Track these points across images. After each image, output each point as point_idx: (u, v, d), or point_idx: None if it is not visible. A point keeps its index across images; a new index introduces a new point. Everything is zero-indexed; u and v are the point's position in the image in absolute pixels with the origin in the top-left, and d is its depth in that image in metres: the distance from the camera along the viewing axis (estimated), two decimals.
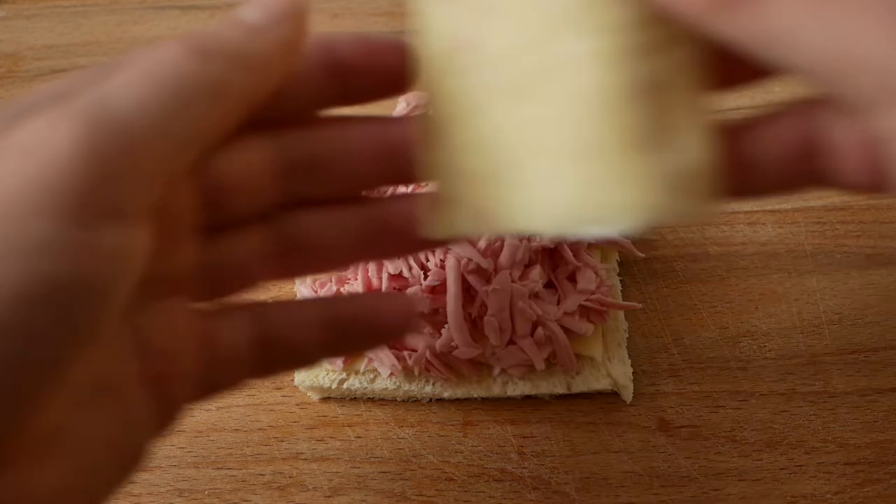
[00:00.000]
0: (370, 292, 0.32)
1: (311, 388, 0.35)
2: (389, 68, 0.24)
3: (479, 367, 0.34)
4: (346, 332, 0.26)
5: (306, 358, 0.26)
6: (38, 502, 0.19)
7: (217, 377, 0.24)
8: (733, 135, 0.21)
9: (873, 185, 0.20)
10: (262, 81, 0.21)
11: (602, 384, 0.34)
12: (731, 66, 0.20)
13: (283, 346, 0.25)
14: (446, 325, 0.33)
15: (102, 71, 0.20)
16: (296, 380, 0.34)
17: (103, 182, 0.18)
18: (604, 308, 0.34)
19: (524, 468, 0.33)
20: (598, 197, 0.21)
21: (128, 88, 0.19)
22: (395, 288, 0.34)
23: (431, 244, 0.28)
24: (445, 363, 0.33)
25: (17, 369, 0.17)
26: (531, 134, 0.22)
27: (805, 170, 0.20)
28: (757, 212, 0.40)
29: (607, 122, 0.21)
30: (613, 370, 0.34)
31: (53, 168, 0.17)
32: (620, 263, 0.38)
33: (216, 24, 0.21)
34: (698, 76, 0.20)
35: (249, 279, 0.24)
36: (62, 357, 0.18)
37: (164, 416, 0.23)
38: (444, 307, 0.33)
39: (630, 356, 0.35)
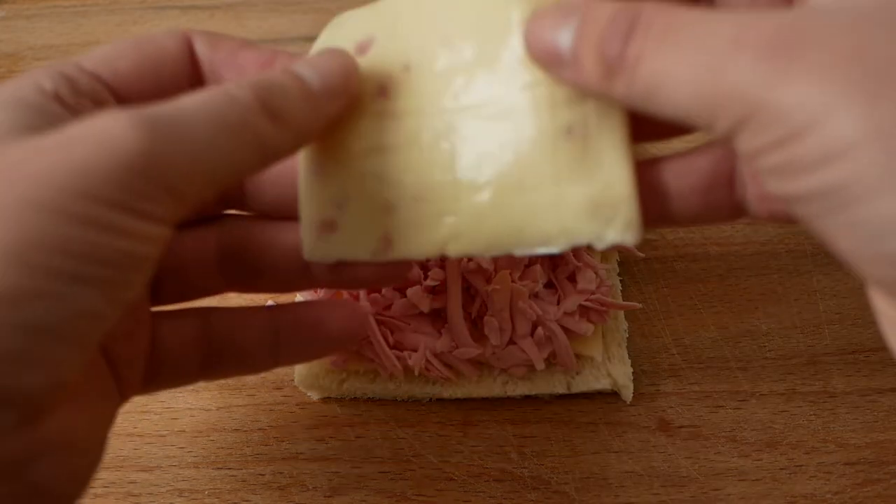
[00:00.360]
0: (318, 301, 0.31)
1: (311, 388, 0.35)
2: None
3: (479, 367, 0.34)
4: (291, 339, 0.28)
5: (252, 363, 0.28)
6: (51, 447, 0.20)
7: (163, 374, 0.26)
8: (654, 168, 0.23)
9: (771, 215, 0.22)
10: (298, 146, 0.24)
11: (602, 384, 0.34)
12: (648, 121, 0.22)
13: (229, 349, 0.26)
14: (446, 325, 0.33)
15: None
16: (296, 380, 0.34)
17: (154, 179, 0.19)
18: (604, 308, 0.34)
19: (524, 468, 0.33)
20: (530, 222, 0.24)
21: (197, 114, 0.20)
22: (394, 288, 0.34)
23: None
24: (445, 363, 0.33)
25: (77, 318, 0.19)
26: (454, 169, 0.25)
27: (717, 200, 0.23)
28: None
29: (540, 159, 0.24)
30: (613, 370, 0.34)
31: (114, 155, 0.19)
32: (620, 263, 0.38)
33: (286, 76, 0.23)
34: (621, 120, 0.23)
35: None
36: (115, 302, 0.20)
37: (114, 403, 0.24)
38: (445, 307, 0.33)
39: (630, 356, 0.35)
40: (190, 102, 0.20)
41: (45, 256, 0.18)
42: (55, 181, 0.18)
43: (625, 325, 0.36)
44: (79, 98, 0.23)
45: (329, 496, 0.32)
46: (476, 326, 0.33)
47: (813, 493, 0.32)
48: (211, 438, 0.34)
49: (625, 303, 0.35)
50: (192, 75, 0.26)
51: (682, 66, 0.19)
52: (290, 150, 0.24)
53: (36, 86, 0.22)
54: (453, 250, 0.25)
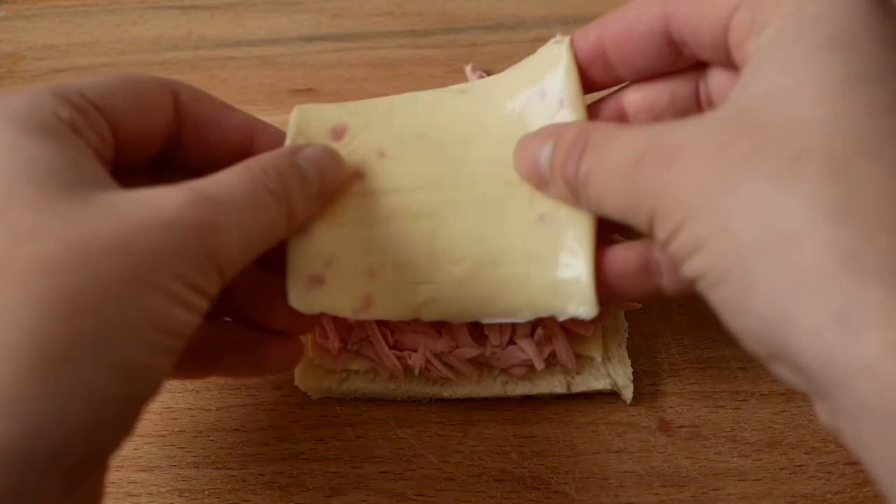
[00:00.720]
0: (260, 332, 0.31)
1: (311, 388, 0.35)
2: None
3: (479, 367, 0.34)
4: (226, 359, 0.29)
5: (186, 372, 0.29)
6: None
7: None
8: (601, 257, 0.27)
9: (681, 291, 0.26)
10: (293, 232, 0.27)
11: (602, 384, 0.34)
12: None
13: None
14: (446, 326, 0.33)
15: None
16: (296, 379, 0.34)
17: (213, 260, 0.22)
18: (604, 308, 0.34)
19: (524, 468, 0.33)
20: (501, 295, 0.28)
21: (242, 202, 0.23)
22: None
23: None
24: (445, 363, 0.33)
25: (159, 385, 0.22)
26: (434, 243, 0.28)
27: (648, 285, 0.27)
28: None
29: (515, 240, 0.28)
30: (613, 370, 0.34)
31: (195, 239, 0.21)
32: None
33: (294, 172, 0.26)
34: (590, 215, 0.27)
35: None
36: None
37: None
38: None
39: (630, 356, 0.35)
40: (234, 187, 0.23)
41: (155, 333, 0.20)
42: (161, 263, 0.20)
43: (625, 325, 0.36)
44: (87, 129, 0.24)
45: (329, 496, 0.32)
46: (476, 326, 0.33)
47: (813, 493, 0.32)
48: (211, 438, 0.34)
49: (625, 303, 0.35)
50: (174, 122, 0.28)
51: (611, 180, 0.24)
52: (287, 235, 0.27)
53: (54, 114, 0.23)
54: (427, 315, 0.29)
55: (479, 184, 0.29)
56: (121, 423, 0.20)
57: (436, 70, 0.50)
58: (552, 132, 0.27)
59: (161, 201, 0.21)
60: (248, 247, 0.23)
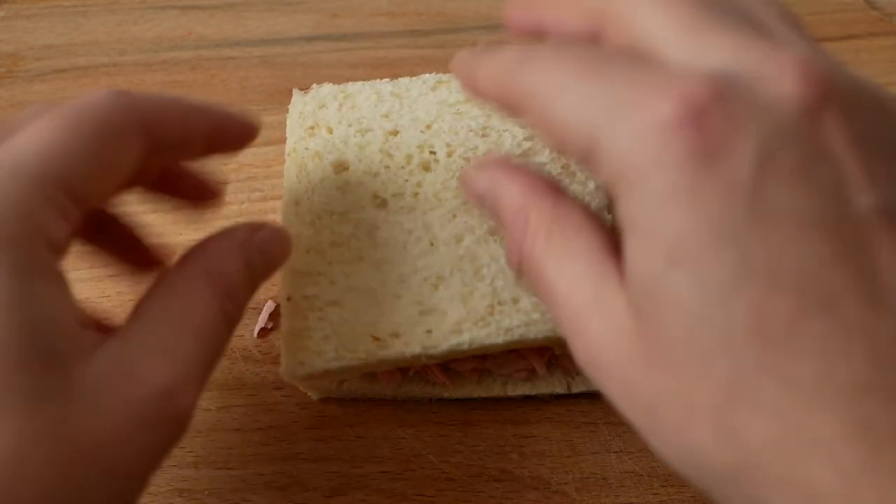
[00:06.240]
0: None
1: (311, 388, 0.35)
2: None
3: (480, 373, 0.34)
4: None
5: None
6: None
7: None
8: None
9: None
10: None
11: None
12: None
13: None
14: None
15: None
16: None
17: None
18: None
19: (524, 468, 0.33)
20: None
21: (193, 360, 0.24)
22: None
23: None
24: (446, 370, 0.34)
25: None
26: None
27: None
28: None
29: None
30: None
31: None
32: None
33: (241, 273, 0.26)
34: None
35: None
36: None
37: None
38: None
39: None
40: (192, 353, 0.24)
41: None
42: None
43: None
44: (66, 235, 0.23)
45: (329, 496, 0.32)
46: None
47: None
48: (211, 438, 0.34)
49: None
50: (141, 160, 0.25)
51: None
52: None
53: (46, 241, 0.21)
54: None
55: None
56: None
57: (436, 70, 0.50)
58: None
59: (137, 394, 0.22)
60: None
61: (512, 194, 0.24)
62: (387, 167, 0.33)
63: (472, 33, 0.53)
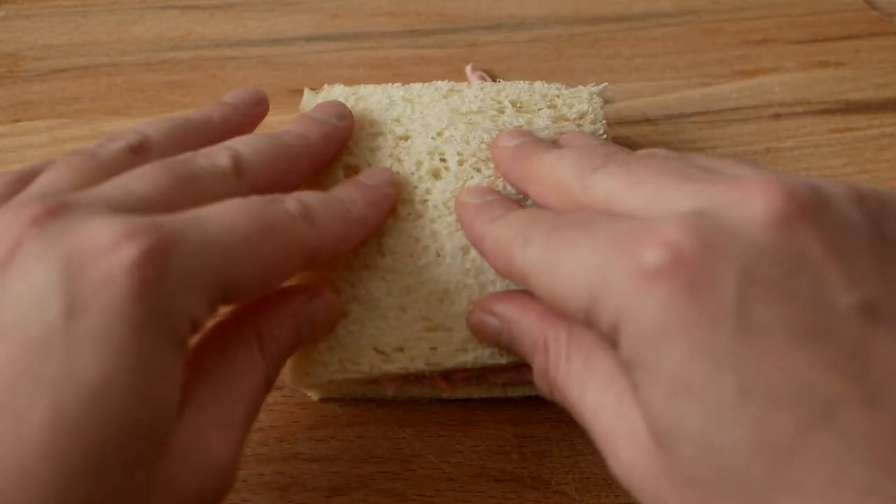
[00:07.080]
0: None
1: (311, 388, 0.35)
2: None
3: (480, 379, 0.34)
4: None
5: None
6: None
7: None
8: None
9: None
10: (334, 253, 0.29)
11: None
12: None
13: None
14: None
15: None
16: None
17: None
18: None
19: (524, 468, 0.33)
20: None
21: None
22: None
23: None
24: (446, 378, 0.34)
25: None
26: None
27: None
28: None
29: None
30: None
31: None
32: None
33: (293, 324, 0.27)
34: None
35: None
36: None
37: None
38: None
39: None
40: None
41: None
42: None
43: None
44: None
45: (329, 496, 0.32)
46: None
47: None
48: None
49: None
50: None
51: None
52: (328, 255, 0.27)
53: (192, 325, 0.22)
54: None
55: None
56: None
57: (436, 70, 0.50)
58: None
59: (204, 464, 0.22)
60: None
61: (529, 329, 0.27)
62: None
63: (472, 33, 0.53)
